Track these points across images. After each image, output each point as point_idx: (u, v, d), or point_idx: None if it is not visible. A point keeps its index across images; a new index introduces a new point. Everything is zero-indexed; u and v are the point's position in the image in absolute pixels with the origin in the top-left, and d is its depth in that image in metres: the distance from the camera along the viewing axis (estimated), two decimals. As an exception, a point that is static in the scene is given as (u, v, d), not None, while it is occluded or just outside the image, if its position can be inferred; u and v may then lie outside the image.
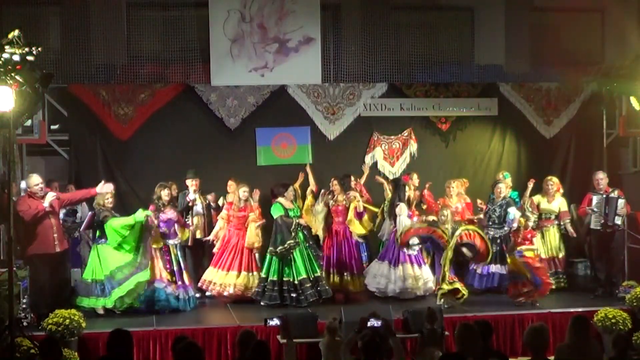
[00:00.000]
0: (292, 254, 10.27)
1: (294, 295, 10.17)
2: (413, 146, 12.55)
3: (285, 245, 10.20)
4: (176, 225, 10.32)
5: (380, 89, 12.43)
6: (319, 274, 10.36)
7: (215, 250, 10.82)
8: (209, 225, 11.07)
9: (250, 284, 10.54)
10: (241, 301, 10.51)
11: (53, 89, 10.81)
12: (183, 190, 11.06)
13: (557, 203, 11.31)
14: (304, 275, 10.23)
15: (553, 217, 11.28)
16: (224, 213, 10.82)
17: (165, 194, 10.19)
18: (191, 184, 10.94)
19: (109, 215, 9.84)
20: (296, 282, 10.21)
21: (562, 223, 11.31)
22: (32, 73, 8.00)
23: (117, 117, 11.81)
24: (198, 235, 10.99)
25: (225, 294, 10.55)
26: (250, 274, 10.59)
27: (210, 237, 10.83)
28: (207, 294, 10.81)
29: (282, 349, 8.49)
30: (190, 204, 10.84)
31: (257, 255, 10.78)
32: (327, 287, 10.35)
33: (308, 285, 10.20)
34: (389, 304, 9.59)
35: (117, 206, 10.42)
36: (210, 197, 11.23)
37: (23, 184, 10.12)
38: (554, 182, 11.31)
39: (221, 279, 10.54)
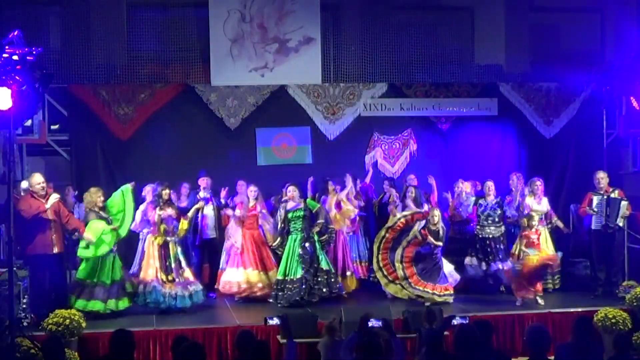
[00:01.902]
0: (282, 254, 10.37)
1: (273, 292, 10.28)
2: (413, 146, 12.57)
3: (272, 247, 10.40)
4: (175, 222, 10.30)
5: (380, 89, 12.45)
6: (294, 277, 10.17)
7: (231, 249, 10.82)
8: (219, 225, 11.12)
9: (260, 282, 10.55)
10: (248, 300, 10.52)
11: (53, 89, 10.80)
12: (195, 189, 11.15)
13: (545, 204, 11.22)
14: (280, 277, 10.25)
15: (543, 217, 11.20)
16: (237, 212, 10.78)
17: (165, 194, 10.18)
18: (202, 182, 11.06)
19: (94, 218, 9.79)
20: (278, 279, 10.29)
21: (552, 222, 11.24)
22: (32, 73, 8.00)
23: (117, 117, 11.81)
24: (212, 235, 11.07)
25: (238, 290, 10.54)
26: (262, 272, 10.60)
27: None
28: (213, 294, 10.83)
29: (282, 349, 8.49)
30: (201, 202, 10.89)
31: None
32: (291, 293, 10.13)
33: (275, 286, 10.22)
34: (389, 304, 9.59)
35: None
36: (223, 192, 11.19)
37: (23, 184, 10.11)
38: (539, 183, 11.20)
39: (236, 277, 10.56)
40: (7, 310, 8.10)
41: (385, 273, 10.50)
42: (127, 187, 10.01)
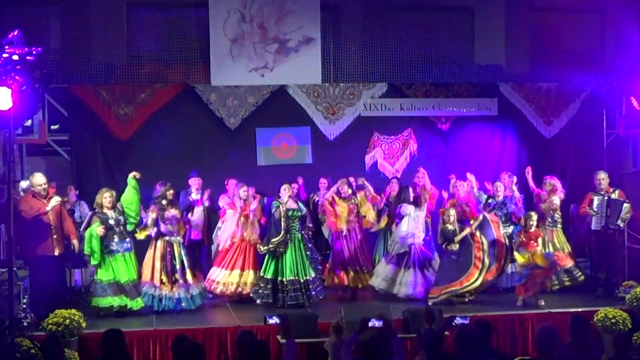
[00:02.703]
0: (285, 253, 10.21)
1: (280, 294, 10.13)
2: (413, 146, 12.57)
3: (272, 243, 10.18)
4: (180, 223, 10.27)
5: (380, 89, 12.45)
6: (309, 277, 10.17)
7: (220, 248, 10.78)
8: (208, 226, 11.05)
9: (251, 282, 10.52)
10: (242, 301, 10.49)
11: (53, 89, 10.81)
12: (186, 189, 11.06)
13: (549, 203, 11.14)
14: (291, 277, 10.14)
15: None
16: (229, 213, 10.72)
17: (170, 194, 10.18)
18: (194, 183, 10.97)
19: (96, 220, 9.76)
20: (285, 281, 10.16)
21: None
22: (32, 73, 8.00)
23: (117, 117, 11.82)
24: (201, 236, 10.95)
25: (229, 292, 10.52)
26: (252, 272, 10.56)
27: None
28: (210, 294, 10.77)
29: (282, 349, 8.49)
30: (192, 204, 10.82)
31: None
32: (314, 293, 10.14)
33: (291, 287, 10.08)
34: (389, 304, 9.59)
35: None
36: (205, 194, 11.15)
37: (23, 184, 10.11)
38: (550, 183, 11.20)
39: (225, 277, 10.53)
40: (7, 310, 8.10)
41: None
42: (131, 179, 9.98)
